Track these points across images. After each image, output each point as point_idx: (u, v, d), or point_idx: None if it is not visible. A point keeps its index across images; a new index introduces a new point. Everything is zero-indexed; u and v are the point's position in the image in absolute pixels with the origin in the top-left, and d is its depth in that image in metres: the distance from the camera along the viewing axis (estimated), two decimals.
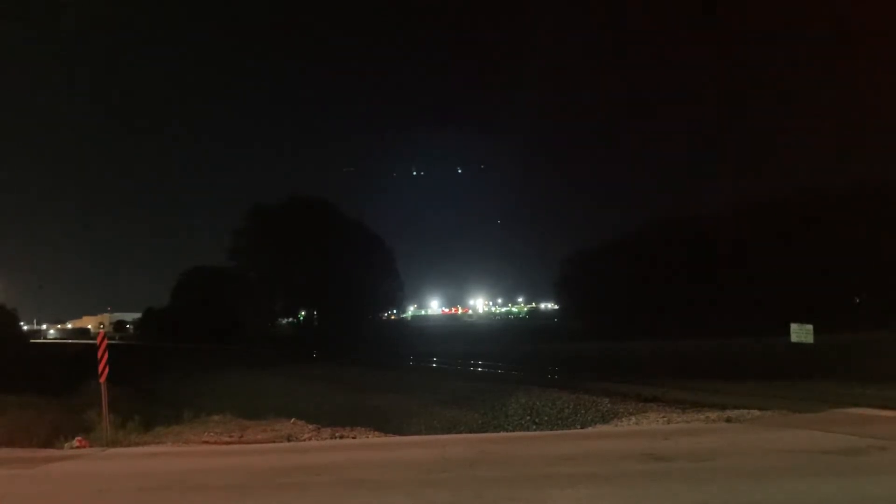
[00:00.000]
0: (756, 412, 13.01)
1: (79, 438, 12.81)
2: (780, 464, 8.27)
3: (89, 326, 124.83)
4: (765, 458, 8.69)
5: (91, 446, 12.22)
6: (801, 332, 17.86)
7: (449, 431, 18.28)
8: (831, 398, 15.12)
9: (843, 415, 12.21)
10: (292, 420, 15.66)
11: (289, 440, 12.77)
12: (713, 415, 13.35)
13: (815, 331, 17.65)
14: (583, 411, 18.33)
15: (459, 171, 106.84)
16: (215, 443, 12.61)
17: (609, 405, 18.06)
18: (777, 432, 10.55)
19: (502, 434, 15.67)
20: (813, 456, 8.57)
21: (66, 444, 12.56)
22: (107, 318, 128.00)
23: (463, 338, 62.06)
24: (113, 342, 18.62)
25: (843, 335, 28.25)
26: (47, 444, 13.38)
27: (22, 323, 63.27)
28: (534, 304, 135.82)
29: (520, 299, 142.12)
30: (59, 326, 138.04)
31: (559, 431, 15.89)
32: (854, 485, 7.09)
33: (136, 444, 12.49)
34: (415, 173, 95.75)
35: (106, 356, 13.25)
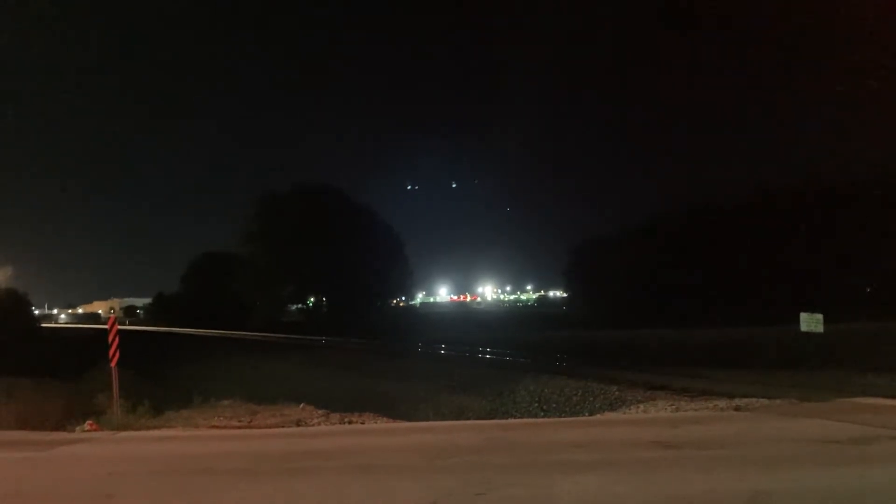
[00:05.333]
0: (765, 401, 12.98)
1: (90, 422, 12.92)
2: (788, 452, 8.25)
3: (100, 311, 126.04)
4: (773, 446, 8.67)
5: (102, 430, 12.31)
6: (811, 321, 17.81)
7: (457, 418, 18.34)
8: (841, 387, 15.05)
9: (854, 404, 12.15)
10: (301, 405, 15.74)
11: (298, 425, 12.83)
12: (722, 403, 13.33)
13: (826, 320, 17.58)
14: (591, 399, 18.35)
15: (454, 185, 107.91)
16: (225, 427, 12.68)
17: (617, 393, 18.07)
18: (786, 421, 10.52)
19: (510, 421, 15.69)
20: (822, 445, 8.54)
21: (77, 428, 12.66)
22: (117, 303, 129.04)
23: (471, 325, 62.09)
24: (123, 327, 18.73)
25: (854, 324, 28.09)
26: (59, 427, 13.51)
27: (33, 307, 63.63)
28: (542, 292, 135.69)
29: (528, 287, 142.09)
30: (70, 311, 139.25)
31: (567, 419, 15.92)
32: (864, 474, 7.07)
33: (147, 429, 12.56)
34: (409, 187, 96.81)
35: (117, 341, 13.35)
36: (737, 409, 12.29)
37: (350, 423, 13.13)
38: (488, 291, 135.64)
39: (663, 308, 50.77)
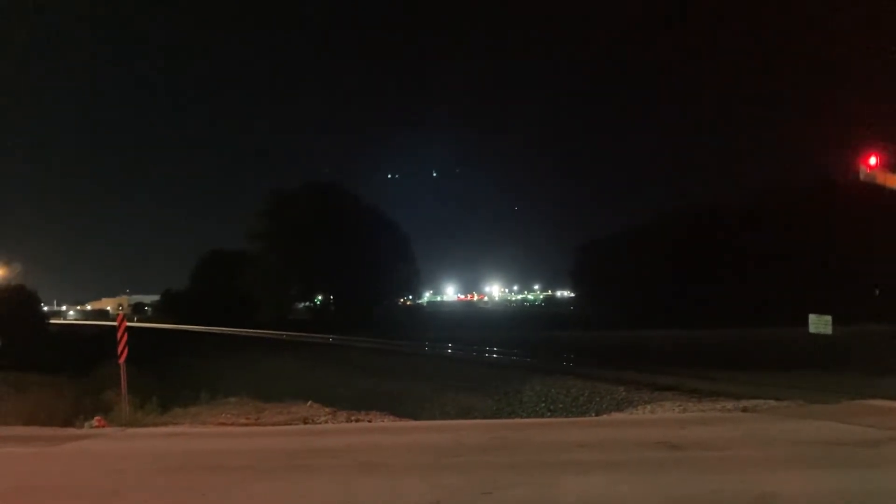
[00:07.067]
0: (772, 402, 12.92)
1: (98, 418, 12.98)
2: (795, 454, 8.22)
3: (108, 308, 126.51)
4: (780, 448, 8.63)
5: (110, 426, 12.37)
6: (819, 323, 17.71)
7: (463, 417, 18.33)
8: (849, 389, 14.96)
9: (861, 406, 12.09)
10: (308, 403, 15.75)
11: (305, 423, 12.85)
12: (729, 404, 13.27)
13: (834, 322, 17.48)
14: (598, 399, 18.32)
15: (434, 174, 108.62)
16: (232, 424, 12.72)
17: (624, 393, 18.03)
18: (793, 423, 10.47)
19: (516, 420, 15.69)
20: (829, 447, 8.51)
21: (86, 424, 12.71)
22: (125, 300, 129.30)
23: (478, 324, 62.05)
24: (131, 324, 18.80)
25: (863, 326, 27.95)
26: (67, 423, 13.57)
27: (42, 304, 63.88)
28: (549, 292, 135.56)
29: (536, 286, 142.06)
30: (78, 308, 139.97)
31: (573, 419, 15.89)
32: (871, 477, 7.03)
33: (155, 425, 12.62)
34: (389, 175, 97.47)
35: (125, 337, 13.39)
36: (744, 410, 12.24)
37: (357, 421, 13.14)
38: (495, 291, 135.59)
39: (670, 309, 50.57)
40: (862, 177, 15.63)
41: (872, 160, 15.50)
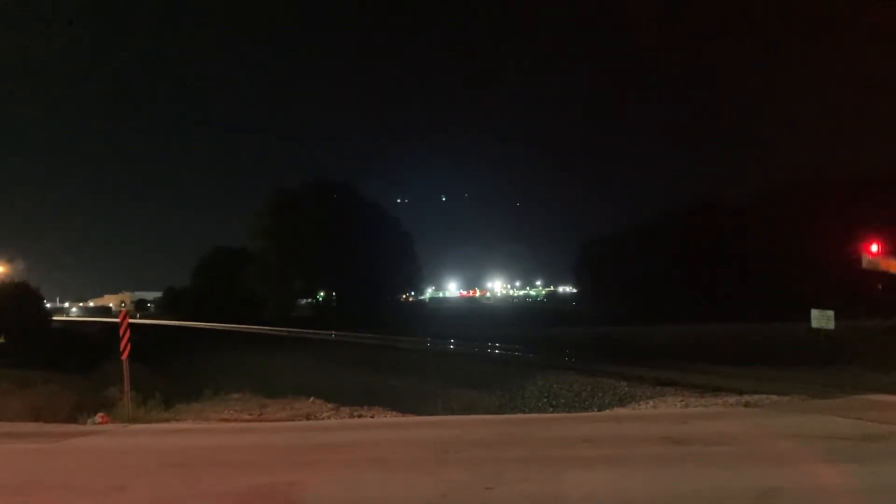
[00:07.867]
0: (775, 397, 12.93)
1: (101, 415, 12.99)
2: (797, 449, 8.22)
3: (111, 305, 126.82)
4: (783, 443, 8.63)
5: (113, 422, 12.38)
6: (821, 318, 17.73)
7: (466, 413, 18.33)
8: (851, 384, 14.97)
9: (864, 401, 12.09)
10: (311, 399, 15.75)
11: (308, 418, 12.86)
12: (731, 399, 13.28)
13: (836, 317, 17.48)
14: (600, 394, 18.34)
15: (443, 199, 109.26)
16: (235, 420, 12.74)
17: (627, 388, 18.04)
18: (796, 417, 10.48)
19: (520, 416, 15.68)
20: (832, 442, 8.50)
21: (88, 420, 12.73)
22: (128, 296, 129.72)
23: (480, 320, 62.06)
24: (134, 321, 18.79)
25: (866, 321, 27.93)
26: (70, 419, 13.58)
27: (45, 301, 63.90)
28: (552, 288, 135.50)
29: (538, 282, 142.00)
30: (81, 304, 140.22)
31: (576, 414, 15.89)
32: (874, 471, 7.02)
33: (158, 421, 12.63)
34: (398, 201, 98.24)
35: (128, 334, 13.39)
36: (746, 405, 12.24)
37: (360, 416, 13.15)
38: (497, 287, 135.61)
39: (672, 305, 50.54)
40: (864, 264, 16.03)
41: (874, 248, 15.90)
